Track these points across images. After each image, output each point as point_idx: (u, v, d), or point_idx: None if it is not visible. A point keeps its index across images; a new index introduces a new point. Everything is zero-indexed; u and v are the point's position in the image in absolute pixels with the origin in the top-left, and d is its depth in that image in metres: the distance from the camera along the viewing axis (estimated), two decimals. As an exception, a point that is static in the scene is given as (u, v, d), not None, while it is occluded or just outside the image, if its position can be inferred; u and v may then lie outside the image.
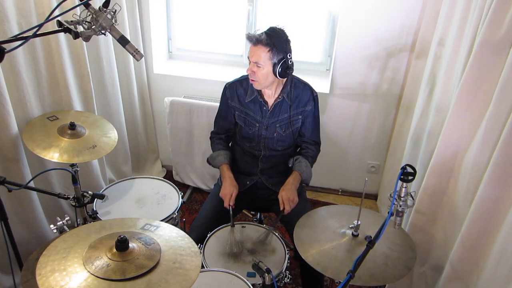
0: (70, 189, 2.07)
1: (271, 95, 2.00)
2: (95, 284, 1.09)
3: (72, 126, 1.90)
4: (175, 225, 1.88)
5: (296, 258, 2.21)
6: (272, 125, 2.02)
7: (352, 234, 1.56)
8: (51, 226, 1.80)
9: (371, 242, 1.33)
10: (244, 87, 2.02)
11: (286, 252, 1.82)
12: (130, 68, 2.76)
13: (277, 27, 1.84)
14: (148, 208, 2.06)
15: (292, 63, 1.86)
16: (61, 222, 1.80)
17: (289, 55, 1.83)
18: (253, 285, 1.61)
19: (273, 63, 1.82)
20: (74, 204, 1.90)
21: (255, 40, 1.81)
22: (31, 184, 1.85)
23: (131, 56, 1.55)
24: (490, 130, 1.48)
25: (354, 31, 2.57)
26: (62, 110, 2.14)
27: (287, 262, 1.77)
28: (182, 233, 1.33)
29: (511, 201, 1.40)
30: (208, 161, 2.14)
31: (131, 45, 1.53)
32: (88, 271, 1.12)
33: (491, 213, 1.48)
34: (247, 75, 1.92)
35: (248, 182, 2.12)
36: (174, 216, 2.03)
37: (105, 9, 1.46)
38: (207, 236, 1.87)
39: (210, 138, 2.20)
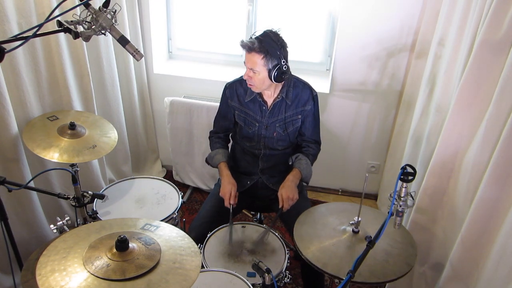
0: (70, 189, 2.07)
1: (270, 95, 2.00)
2: (95, 284, 1.09)
3: (72, 126, 1.90)
4: (175, 225, 1.88)
5: (296, 258, 2.21)
6: (272, 124, 2.02)
7: (353, 230, 1.56)
8: (51, 226, 1.80)
9: (371, 242, 1.33)
10: (244, 87, 2.02)
11: (286, 252, 1.82)
12: (130, 68, 2.76)
13: (272, 31, 1.83)
14: (148, 208, 2.06)
15: (288, 68, 1.86)
16: (61, 222, 1.79)
17: (283, 61, 1.82)
18: (253, 285, 1.61)
19: (268, 69, 1.82)
20: (74, 204, 1.90)
21: (248, 48, 1.81)
22: (31, 184, 1.85)
23: (131, 56, 1.55)
24: (490, 130, 1.48)
25: (354, 31, 2.57)
26: (62, 110, 2.14)
27: (287, 262, 1.77)
28: (182, 233, 1.33)
29: (511, 201, 1.40)
30: (206, 160, 2.14)
31: (131, 45, 1.53)
32: (88, 271, 1.12)
33: (491, 213, 1.48)
34: None
35: (248, 182, 2.12)
36: (174, 216, 2.03)
37: (105, 9, 1.46)
38: (206, 235, 1.87)
39: (209, 137, 2.20)
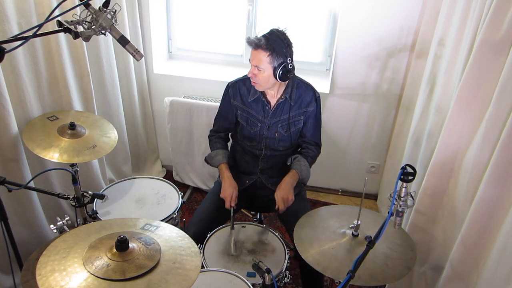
0: (70, 189, 2.06)
1: (273, 95, 2.00)
2: (95, 284, 1.09)
3: (72, 126, 1.90)
4: (175, 225, 1.88)
5: (296, 258, 2.21)
6: (274, 125, 2.02)
7: (352, 234, 1.56)
8: (51, 226, 1.80)
9: (371, 242, 1.33)
10: (247, 86, 2.02)
11: (286, 252, 1.82)
12: (130, 68, 2.76)
13: (278, 29, 1.84)
14: (148, 208, 2.06)
15: (293, 67, 1.86)
16: (61, 222, 1.80)
17: (289, 59, 1.83)
18: (253, 285, 1.61)
19: (273, 67, 1.82)
20: (74, 204, 1.90)
21: (254, 45, 1.81)
22: (31, 184, 1.85)
23: (131, 56, 1.55)
24: (490, 130, 1.48)
25: (354, 31, 2.58)
26: (62, 110, 2.14)
27: (287, 262, 1.77)
28: (182, 233, 1.33)
29: (511, 201, 1.40)
30: (206, 160, 2.14)
31: (131, 45, 1.53)
32: (88, 271, 1.12)
33: (491, 213, 1.48)
34: None
35: (247, 181, 2.12)
36: (174, 216, 2.03)
37: (105, 9, 1.46)
38: (205, 232, 1.87)
39: (209, 136, 2.20)
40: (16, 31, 1.86)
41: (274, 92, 1.99)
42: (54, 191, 2.14)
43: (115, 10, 1.48)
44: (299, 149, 2.14)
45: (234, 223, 1.94)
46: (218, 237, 1.89)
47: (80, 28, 1.48)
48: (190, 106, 2.81)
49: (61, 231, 1.80)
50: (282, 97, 1.98)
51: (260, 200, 2.17)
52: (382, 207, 3.00)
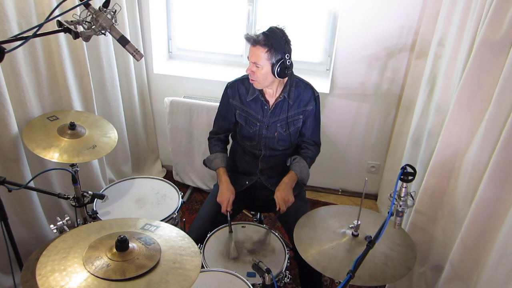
0: (70, 189, 2.07)
1: (272, 95, 2.00)
2: (95, 284, 1.09)
3: (72, 126, 1.90)
4: (175, 225, 1.88)
5: (296, 258, 2.21)
6: (273, 124, 2.02)
7: (352, 234, 1.56)
8: (51, 226, 1.80)
9: (371, 242, 1.33)
10: (246, 86, 2.02)
11: (286, 252, 1.82)
12: (130, 68, 2.76)
13: (277, 27, 1.84)
14: (148, 208, 2.06)
15: (291, 63, 1.86)
16: (61, 222, 1.80)
17: (288, 56, 1.83)
18: (253, 285, 1.61)
19: (272, 63, 1.82)
20: (74, 204, 1.91)
21: (253, 41, 1.81)
22: (31, 184, 1.85)
23: (131, 56, 1.55)
24: (490, 130, 1.48)
25: (354, 31, 2.58)
26: (62, 110, 2.14)
27: (287, 262, 1.77)
28: (182, 233, 1.33)
29: (511, 201, 1.40)
30: (204, 163, 2.13)
31: (131, 45, 1.53)
32: (88, 271, 1.12)
33: (491, 213, 1.48)
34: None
35: (247, 182, 2.12)
36: (174, 216, 2.03)
37: (105, 9, 1.46)
38: (206, 236, 1.87)
39: (208, 138, 2.19)
40: (16, 31, 1.86)
41: (272, 91, 1.99)
42: (54, 191, 2.14)
43: (115, 10, 1.48)
44: (298, 150, 2.14)
45: (233, 223, 1.94)
46: (218, 237, 1.89)
47: (80, 28, 1.48)
48: (190, 106, 2.81)
49: (61, 231, 1.80)
50: (281, 96, 1.98)
51: (260, 200, 2.17)
52: (382, 207, 3.00)
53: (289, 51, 1.85)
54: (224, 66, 3.05)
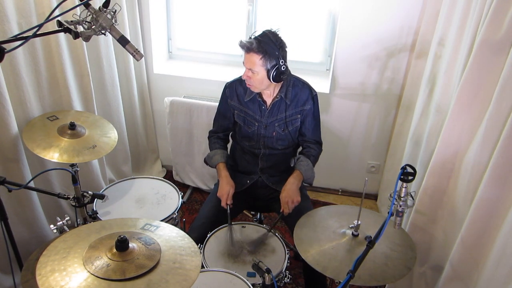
0: (70, 189, 2.07)
1: (269, 95, 2.00)
2: (95, 284, 1.09)
3: (72, 126, 1.90)
4: (175, 225, 1.88)
5: (296, 258, 2.21)
6: (271, 124, 2.02)
7: (352, 234, 1.56)
8: (51, 226, 1.80)
9: (371, 242, 1.33)
10: (243, 86, 2.02)
11: (286, 252, 1.82)
12: (130, 68, 2.76)
13: (271, 31, 1.83)
14: (148, 208, 2.06)
15: (286, 68, 1.86)
16: (61, 222, 1.80)
17: (282, 61, 1.82)
18: (253, 285, 1.61)
19: (267, 69, 1.83)
20: (74, 204, 1.90)
21: (246, 48, 1.82)
22: (31, 184, 1.85)
23: (131, 56, 1.55)
24: (490, 130, 1.48)
25: (354, 31, 2.57)
26: (62, 110, 2.14)
27: (287, 262, 1.77)
28: (182, 233, 1.33)
29: (511, 201, 1.40)
30: (205, 160, 2.14)
31: (131, 45, 1.53)
32: (88, 271, 1.12)
33: (491, 213, 1.48)
34: None
35: (248, 181, 2.12)
36: (174, 216, 2.03)
37: (105, 9, 1.46)
38: (207, 236, 1.87)
39: (208, 137, 2.20)
40: (16, 31, 1.86)
41: (270, 92, 1.99)
42: (54, 191, 2.14)
43: (115, 10, 1.48)
44: (301, 149, 2.14)
45: (233, 223, 1.94)
46: (218, 237, 1.89)
47: (80, 28, 1.48)
48: (190, 106, 2.81)
49: (61, 231, 1.80)
50: (278, 96, 1.98)
51: (261, 200, 2.17)
52: (382, 207, 3.00)
53: (283, 56, 1.84)
54: (224, 66, 3.04)
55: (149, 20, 2.77)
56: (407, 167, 1.31)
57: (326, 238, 1.57)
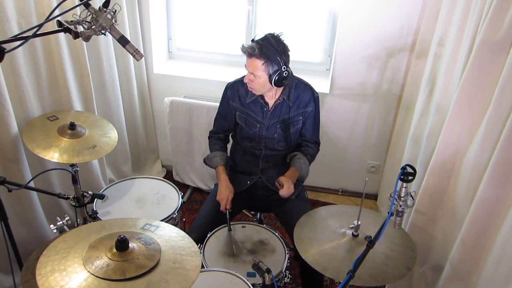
0: (70, 189, 2.06)
1: (272, 96, 2.00)
2: (95, 284, 1.09)
3: (72, 126, 1.90)
4: (175, 225, 1.88)
5: (296, 258, 2.21)
6: (273, 125, 2.02)
7: (352, 234, 1.56)
8: (51, 226, 1.80)
9: (371, 242, 1.33)
10: (245, 87, 2.02)
11: (286, 252, 1.82)
12: (130, 68, 2.76)
13: (273, 35, 1.81)
14: (148, 208, 2.06)
15: (288, 73, 1.85)
16: (61, 222, 1.80)
17: (284, 67, 1.81)
18: (253, 285, 1.61)
19: (269, 74, 1.82)
20: (74, 204, 1.91)
21: (248, 54, 1.81)
22: (31, 184, 1.85)
23: (131, 56, 1.55)
24: (490, 130, 1.48)
25: (354, 31, 2.57)
26: (62, 110, 2.14)
27: (287, 262, 1.77)
28: (182, 233, 1.33)
29: (511, 201, 1.40)
30: (204, 161, 2.14)
31: (131, 45, 1.53)
32: (88, 271, 1.12)
33: (491, 213, 1.48)
34: None
35: (248, 182, 2.12)
36: (174, 216, 2.03)
37: (105, 9, 1.46)
38: (207, 236, 1.87)
39: (209, 137, 2.20)
40: (16, 31, 1.86)
41: (272, 94, 1.99)
42: (54, 191, 2.14)
43: (115, 10, 1.48)
44: (299, 147, 2.14)
45: (233, 223, 1.94)
46: (218, 237, 1.89)
47: (80, 28, 1.48)
48: (190, 106, 2.81)
49: (61, 231, 1.80)
50: (280, 98, 1.98)
51: (261, 200, 2.17)
52: (382, 207, 3.00)
53: (285, 61, 1.82)
54: (224, 66, 3.04)
55: (149, 20, 2.77)
56: (407, 167, 1.31)
57: (326, 238, 1.57)
